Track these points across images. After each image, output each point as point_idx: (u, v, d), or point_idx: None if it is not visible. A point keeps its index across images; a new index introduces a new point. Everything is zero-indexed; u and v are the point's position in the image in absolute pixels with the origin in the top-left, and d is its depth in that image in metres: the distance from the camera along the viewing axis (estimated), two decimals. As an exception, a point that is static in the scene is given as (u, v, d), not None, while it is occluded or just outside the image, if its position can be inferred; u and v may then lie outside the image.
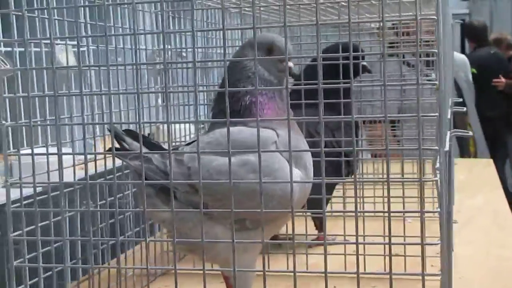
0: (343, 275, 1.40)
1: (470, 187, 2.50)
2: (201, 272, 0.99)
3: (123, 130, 1.18)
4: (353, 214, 0.97)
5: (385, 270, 1.39)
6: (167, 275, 1.53)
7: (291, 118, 0.99)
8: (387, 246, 0.92)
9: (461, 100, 2.52)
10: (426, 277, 0.90)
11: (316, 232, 1.78)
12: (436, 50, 0.89)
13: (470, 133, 1.27)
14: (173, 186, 1.12)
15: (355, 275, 0.93)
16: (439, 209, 0.91)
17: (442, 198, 0.92)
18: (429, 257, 0.94)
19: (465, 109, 1.96)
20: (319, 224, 1.78)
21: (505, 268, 1.54)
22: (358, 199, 1.86)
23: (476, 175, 2.79)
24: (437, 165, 0.91)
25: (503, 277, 1.48)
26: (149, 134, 1.87)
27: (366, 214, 1.53)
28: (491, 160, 3.30)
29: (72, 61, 1.47)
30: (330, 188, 1.74)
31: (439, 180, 0.91)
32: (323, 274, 0.94)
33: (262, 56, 1.18)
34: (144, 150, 1.17)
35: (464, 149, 4.48)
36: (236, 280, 1.20)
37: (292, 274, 0.95)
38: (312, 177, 1.21)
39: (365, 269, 1.47)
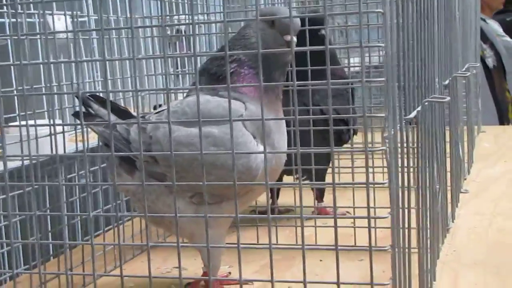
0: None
1: (493, 155, 2.40)
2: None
3: (90, 96, 1.16)
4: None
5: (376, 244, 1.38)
6: (152, 249, 1.52)
7: (263, 84, 0.94)
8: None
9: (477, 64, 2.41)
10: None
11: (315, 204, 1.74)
12: (381, 10, 0.83)
13: (446, 99, 1.19)
14: (133, 155, 1.11)
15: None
16: (386, 181, 0.85)
17: (392, 169, 0.87)
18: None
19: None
20: (319, 195, 1.73)
21: (504, 241, 1.47)
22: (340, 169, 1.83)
23: (502, 143, 2.68)
24: (386, 133, 0.85)
25: (499, 250, 1.41)
26: (160, 105, 1.85)
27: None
28: (522, 127, 3.17)
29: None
30: (328, 158, 1.69)
31: (388, 150, 0.86)
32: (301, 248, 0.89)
33: (264, 29, 1.12)
34: (112, 117, 1.16)
35: (504, 116, 4.32)
36: (202, 255, 1.18)
37: (274, 248, 0.90)
38: (283, 157, 1.16)
39: (355, 243, 1.44)
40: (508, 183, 1.98)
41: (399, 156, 0.92)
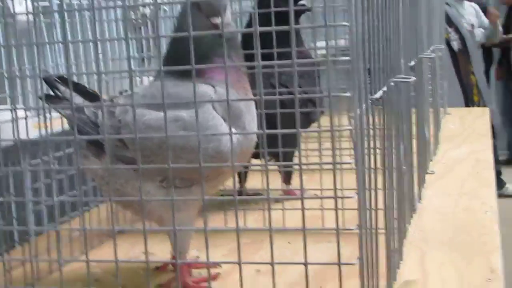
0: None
1: (458, 137, 2.43)
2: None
3: (57, 77, 1.14)
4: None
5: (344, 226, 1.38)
6: (120, 235, 1.51)
7: (228, 65, 0.93)
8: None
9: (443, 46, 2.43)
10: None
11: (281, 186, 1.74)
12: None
13: (412, 79, 1.19)
14: (101, 139, 1.09)
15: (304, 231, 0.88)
16: (352, 161, 0.85)
17: (358, 149, 0.87)
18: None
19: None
20: (286, 177, 1.73)
21: (470, 220, 1.49)
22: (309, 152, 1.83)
23: (468, 124, 2.71)
24: (351, 113, 0.85)
25: (465, 230, 1.43)
26: (126, 91, 1.83)
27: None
28: (486, 109, 3.21)
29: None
30: (295, 140, 1.69)
31: (353, 130, 0.85)
32: (268, 231, 0.89)
33: (195, 16, 1.09)
34: (79, 99, 1.14)
35: (469, 98, 4.38)
36: (170, 240, 1.17)
37: (241, 230, 0.89)
38: (253, 139, 1.16)
39: (323, 225, 1.44)
40: (474, 164, 2.00)
41: (365, 137, 0.92)
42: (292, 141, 1.61)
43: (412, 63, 1.50)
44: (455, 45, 4.39)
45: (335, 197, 0.86)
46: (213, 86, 1.10)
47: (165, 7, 1.82)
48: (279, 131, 1.35)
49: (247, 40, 1.27)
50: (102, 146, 1.10)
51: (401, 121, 1.23)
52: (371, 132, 0.96)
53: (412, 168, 1.47)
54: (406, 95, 1.31)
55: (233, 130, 1.07)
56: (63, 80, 1.13)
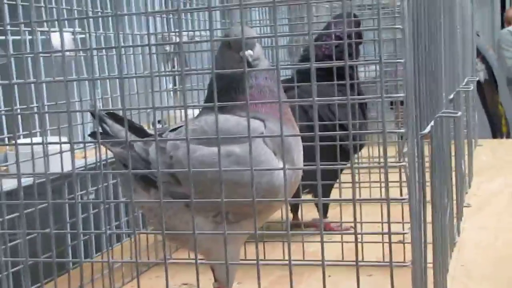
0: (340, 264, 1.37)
1: (491, 169, 2.41)
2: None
3: (106, 113, 1.15)
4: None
5: (383, 260, 1.38)
6: (161, 265, 1.51)
7: (282, 101, 0.94)
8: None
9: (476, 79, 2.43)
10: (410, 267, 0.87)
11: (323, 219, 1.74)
12: (400, 26, 0.83)
13: (459, 113, 1.20)
14: (154, 176, 1.10)
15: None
16: (406, 197, 0.86)
17: (411, 184, 0.87)
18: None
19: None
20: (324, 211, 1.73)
21: (511, 255, 1.47)
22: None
23: (499, 156, 2.69)
24: (405, 149, 0.86)
25: (507, 265, 1.41)
26: (159, 121, 1.84)
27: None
28: (517, 141, 3.19)
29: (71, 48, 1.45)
30: (335, 173, 1.68)
31: (407, 165, 0.86)
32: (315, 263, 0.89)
33: (226, 53, 1.13)
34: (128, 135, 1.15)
35: (497, 129, 4.35)
36: (217, 271, 1.18)
37: (294, 264, 0.90)
38: (300, 173, 1.16)
39: (363, 258, 1.44)
40: (509, 198, 1.99)
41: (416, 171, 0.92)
42: (331, 175, 1.59)
43: (451, 96, 1.50)
44: (481, 75, 4.37)
45: (389, 233, 0.85)
46: (262, 120, 1.11)
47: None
48: (331, 165, 1.33)
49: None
50: (152, 181, 1.10)
51: (445, 154, 1.23)
52: (420, 167, 0.96)
53: (452, 201, 1.46)
54: (447, 129, 1.32)
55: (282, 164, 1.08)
56: (112, 116, 1.13)
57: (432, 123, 1.05)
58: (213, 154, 1.06)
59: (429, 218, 1.10)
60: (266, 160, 1.08)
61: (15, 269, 1.22)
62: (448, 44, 1.49)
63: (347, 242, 1.47)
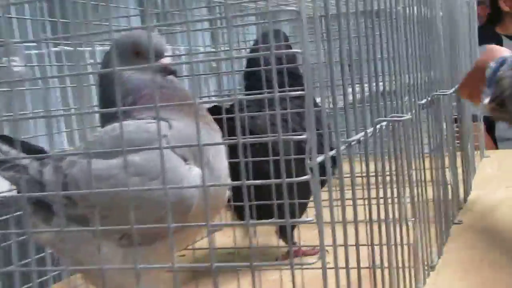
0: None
1: (493, 182, 2.22)
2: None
3: None
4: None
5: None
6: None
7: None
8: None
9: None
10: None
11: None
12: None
13: (405, 117, 1.03)
14: (49, 199, 0.96)
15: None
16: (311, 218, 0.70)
17: (316, 203, 0.71)
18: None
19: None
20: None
21: (497, 278, 1.29)
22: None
23: (505, 168, 2.50)
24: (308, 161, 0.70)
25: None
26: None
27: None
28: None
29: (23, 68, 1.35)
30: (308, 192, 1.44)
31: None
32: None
33: (130, 60, 0.99)
34: (25, 159, 1.00)
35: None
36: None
37: None
38: (226, 175, 1.01)
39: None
40: (506, 212, 1.81)
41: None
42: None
43: (423, 101, 1.35)
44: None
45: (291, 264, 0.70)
46: (166, 121, 0.95)
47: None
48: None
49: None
50: (51, 207, 0.96)
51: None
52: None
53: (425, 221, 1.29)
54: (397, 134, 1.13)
55: (198, 169, 0.93)
56: (4, 138, 1.00)
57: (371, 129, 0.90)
58: (110, 167, 0.92)
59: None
60: (172, 168, 0.92)
61: None
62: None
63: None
